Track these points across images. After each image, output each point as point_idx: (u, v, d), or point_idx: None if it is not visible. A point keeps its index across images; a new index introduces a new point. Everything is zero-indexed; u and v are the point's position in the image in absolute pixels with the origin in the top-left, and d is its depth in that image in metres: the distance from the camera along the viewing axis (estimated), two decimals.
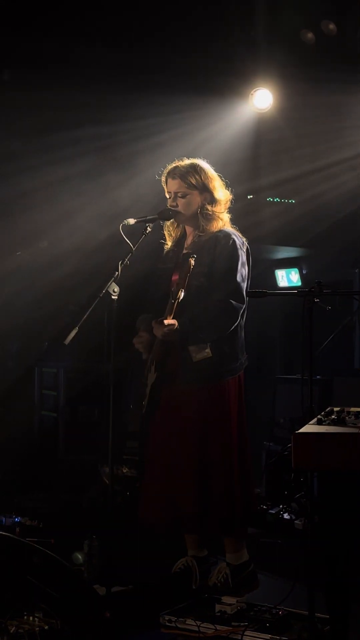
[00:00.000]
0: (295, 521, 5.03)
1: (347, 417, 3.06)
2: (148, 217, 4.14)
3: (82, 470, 6.07)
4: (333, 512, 3.11)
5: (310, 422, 3.10)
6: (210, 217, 4.18)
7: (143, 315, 4.29)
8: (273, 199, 6.90)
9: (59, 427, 6.67)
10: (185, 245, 4.29)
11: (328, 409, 3.25)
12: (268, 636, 3.40)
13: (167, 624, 3.63)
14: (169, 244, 4.37)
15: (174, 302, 3.94)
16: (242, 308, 4.08)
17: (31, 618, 3.10)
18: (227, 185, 4.29)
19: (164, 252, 4.38)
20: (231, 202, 4.28)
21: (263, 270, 7.53)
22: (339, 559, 3.10)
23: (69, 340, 3.83)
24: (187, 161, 4.23)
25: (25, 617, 3.11)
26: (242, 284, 4.08)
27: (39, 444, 6.75)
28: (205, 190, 4.19)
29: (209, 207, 4.18)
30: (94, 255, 6.04)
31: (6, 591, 3.08)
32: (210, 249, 4.12)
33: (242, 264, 4.11)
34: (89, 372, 6.47)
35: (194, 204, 4.19)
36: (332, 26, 5.78)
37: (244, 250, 4.17)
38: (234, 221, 4.29)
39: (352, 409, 3.17)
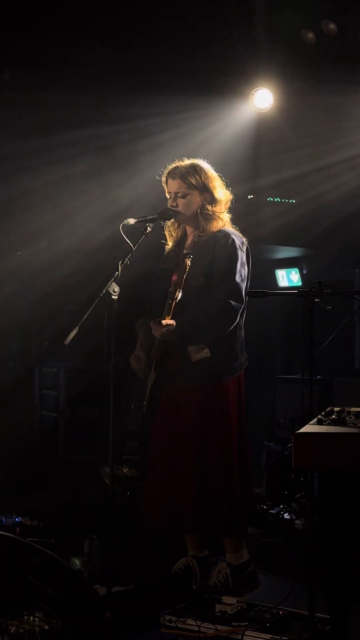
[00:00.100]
0: (296, 521, 5.03)
1: (347, 417, 3.06)
2: (148, 217, 4.14)
3: (82, 470, 6.07)
4: (333, 512, 3.11)
5: (310, 422, 3.10)
6: (210, 217, 4.18)
7: (142, 319, 4.30)
8: (273, 199, 6.90)
9: (59, 427, 6.66)
10: (186, 246, 4.29)
11: (328, 409, 3.25)
12: (268, 636, 3.41)
13: (168, 624, 3.63)
14: (169, 244, 4.37)
15: (172, 302, 3.95)
16: (241, 308, 4.08)
17: (31, 618, 3.10)
18: (228, 185, 4.29)
19: (165, 253, 4.38)
20: (231, 202, 4.28)
21: (263, 270, 7.53)
22: (339, 559, 3.10)
23: (69, 340, 3.83)
24: (187, 161, 4.23)
25: (26, 617, 3.11)
26: (241, 284, 4.08)
27: (39, 444, 6.75)
28: (205, 190, 4.19)
29: (209, 207, 4.18)
30: (94, 255, 6.04)
31: (6, 591, 3.08)
32: (209, 249, 4.12)
33: (242, 264, 4.11)
34: (89, 372, 6.46)
35: (194, 204, 4.19)
36: (332, 26, 5.77)
37: (244, 250, 4.17)
38: (234, 221, 4.29)
39: (353, 409, 3.17)
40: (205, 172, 4.20)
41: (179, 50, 5.78)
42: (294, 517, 5.09)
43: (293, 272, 7.75)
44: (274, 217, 6.79)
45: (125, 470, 5.60)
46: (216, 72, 5.95)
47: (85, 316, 3.86)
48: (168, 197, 4.26)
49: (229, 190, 4.28)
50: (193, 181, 4.17)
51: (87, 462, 6.06)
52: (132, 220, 4.07)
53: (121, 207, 5.90)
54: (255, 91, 6.10)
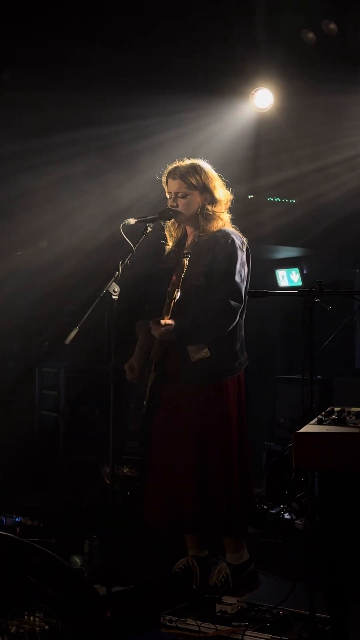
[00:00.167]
0: (296, 521, 5.03)
1: (347, 417, 3.06)
2: (148, 217, 4.14)
3: (82, 470, 6.07)
4: (333, 512, 3.11)
5: (310, 422, 3.10)
6: (210, 217, 4.18)
7: (142, 320, 4.30)
8: (273, 199, 6.90)
9: (59, 427, 6.67)
10: (186, 246, 4.29)
11: (328, 408, 3.25)
12: (269, 636, 3.41)
13: (168, 624, 3.63)
14: (170, 244, 4.37)
15: (170, 302, 3.96)
16: (240, 308, 4.08)
17: (32, 618, 3.11)
18: (228, 185, 4.29)
19: (165, 253, 4.38)
20: (232, 202, 4.28)
21: (263, 270, 7.53)
22: (339, 559, 3.10)
23: (69, 340, 3.83)
24: (187, 161, 4.23)
25: (26, 617, 3.11)
26: (241, 284, 4.07)
27: (39, 444, 6.75)
28: (205, 190, 4.19)
29: (210, 207, 4.18)
30: (94, 255, 6.04)
31: (6, 591, 3.09)
32: (209, 249, 4.12)
33: (242, 264, 4.11)
34: (89, 372, 6.47)
35: (194, 204, 4.19)
36: (332, 26, 5.77)
37: (244, 250, 4.17)
38: (234, 221, 4.29)
39: (353, 409, 3.18)
40: (205, 172, 4.20)
41: (179, 50, 5.78)
42: (294, 517, 5.08)
43: (293, 272, 7.75)
44: (274, 217, 6.78)
45: (125, 470, 5.60)
46: (216, 72, 5.95)
47: (85, 316, 3.86)
48: (168, 197, 4.26)
49: (229, 190, 4.28)
50: (193, 181, 4.17)
51: (87, 462, 6.07)
52: (132, 220, 4.07)
53: (121, 207, 5.90)
54: (255, 91, 6.10)
